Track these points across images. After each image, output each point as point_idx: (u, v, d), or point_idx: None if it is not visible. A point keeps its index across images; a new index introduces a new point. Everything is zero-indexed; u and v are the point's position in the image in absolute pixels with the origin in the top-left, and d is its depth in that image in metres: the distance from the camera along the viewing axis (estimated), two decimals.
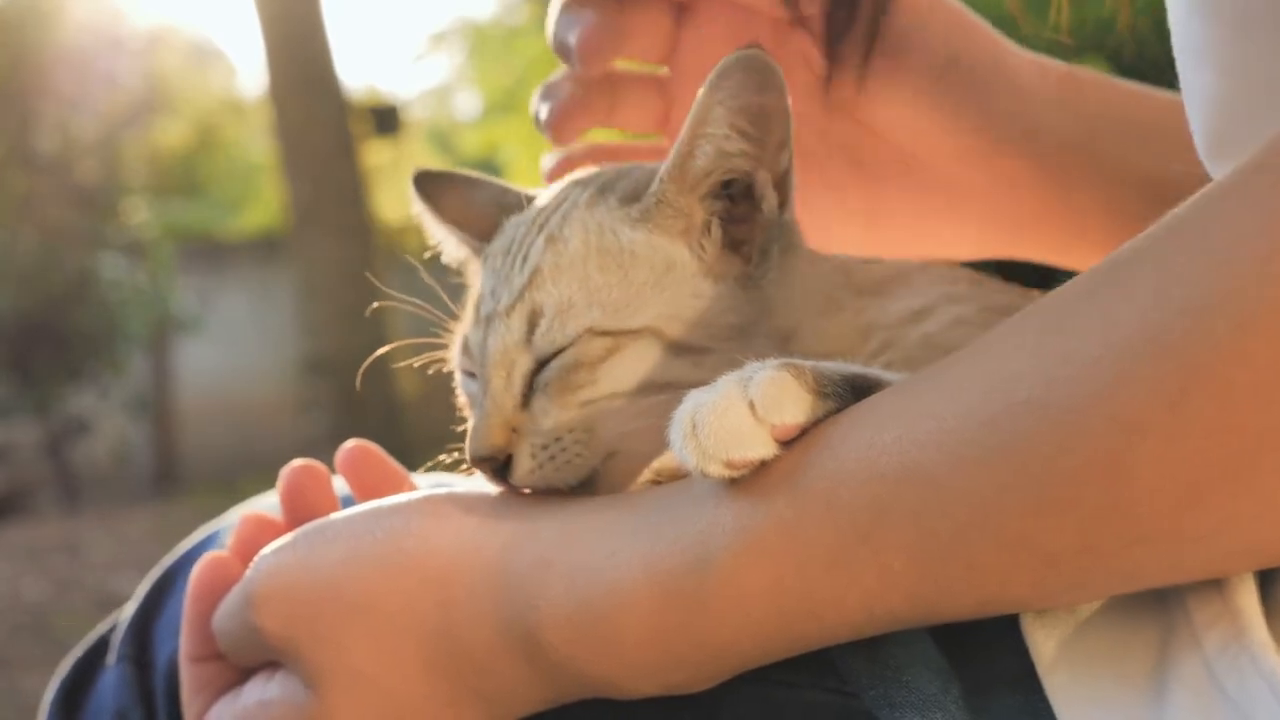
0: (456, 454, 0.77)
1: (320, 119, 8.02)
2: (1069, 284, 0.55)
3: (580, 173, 0.80)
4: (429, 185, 0.83)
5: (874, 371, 0.62)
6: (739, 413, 0.58)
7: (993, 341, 0.56)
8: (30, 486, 8.45)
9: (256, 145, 12.14)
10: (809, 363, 0.61)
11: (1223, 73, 0.58)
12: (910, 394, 0.57)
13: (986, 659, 0.60)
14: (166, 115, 11.17)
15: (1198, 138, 0.60)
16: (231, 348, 9.55)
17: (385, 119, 10.07)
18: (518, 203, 0.81)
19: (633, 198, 0.73)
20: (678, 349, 0.70)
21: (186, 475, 9.33)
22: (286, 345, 8.83)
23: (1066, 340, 0.52)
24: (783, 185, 0.73)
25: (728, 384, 0.59)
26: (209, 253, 10.28)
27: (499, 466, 0.70)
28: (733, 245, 0.73)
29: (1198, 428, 0.49)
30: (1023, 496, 0.52)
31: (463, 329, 0.77)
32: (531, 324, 0.71)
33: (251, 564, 0.70)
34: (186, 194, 11.59)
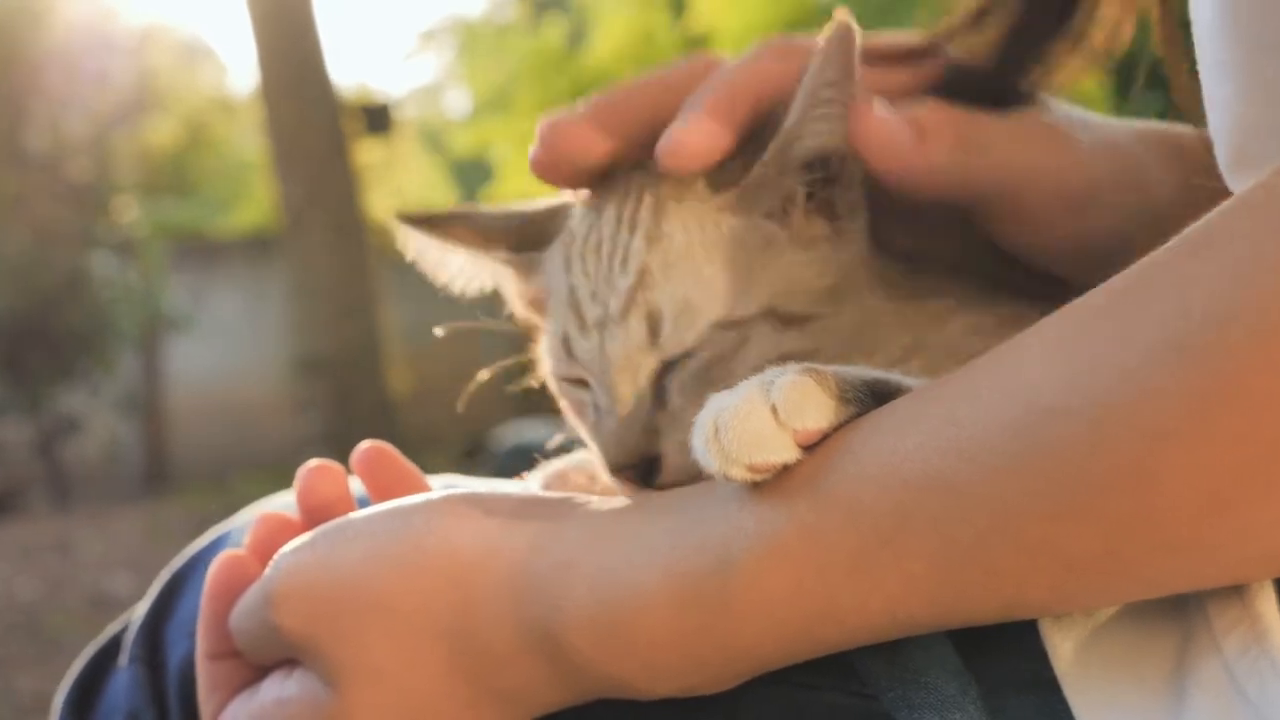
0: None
1: (312, 117, 8.01)
2: (1090, 294, 0.55)
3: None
4: (422, 222, 0.80)
5: (894, 376, 0.63)
6: (761, 417, 0.58)
7: (1012, 349, 0.57)
8: (21, 485, 8.45)
9: (248, 143, 12.13)
10: (830, 368, 0.61)
11: (1244, 89, 0.58)
12: (931, 400, 0.58)
13: (1004, 661, 0.60)
14: (157, 113, 11.16)
15: (1219, 152, 0.61)
16: (223, 347, 9.55)
17: (377, 118, 10.07)
18: (526, 218, 0.80)
19: (721, 182, 0.73)
20: (789, 321, 0.71)
21: (178, 474, 9.33)
22: (278, 344, 8.83)
23: (1089, 348, 0.53)
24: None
25: (750, 388, 0.60)
26: (200, 251, 10.27)
27: (643, 471, 0.70)
28: (816, 209, 0.74)
29: (1221, 435, 0.49)
30: (1045, 503, 0.52)
31: (554, 334, 0.76)
32: (653, 326, 0.71)
33: (271, 562, 0.70)
34: (178, 192, 11.59)
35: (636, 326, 0.71)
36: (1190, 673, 0.56)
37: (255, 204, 11.76)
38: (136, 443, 9.54)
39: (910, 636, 0.60)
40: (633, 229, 0.73)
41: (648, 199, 0.74)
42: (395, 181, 10.58)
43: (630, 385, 0.71)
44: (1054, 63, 0.80)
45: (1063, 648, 0.59)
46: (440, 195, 14.95)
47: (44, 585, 5.43)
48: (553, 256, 0.77)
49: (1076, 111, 0.81)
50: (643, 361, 0.71)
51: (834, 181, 0.74)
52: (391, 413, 7.93)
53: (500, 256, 0.81)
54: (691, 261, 0.72)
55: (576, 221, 0.77)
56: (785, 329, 0.71)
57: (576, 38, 13.95)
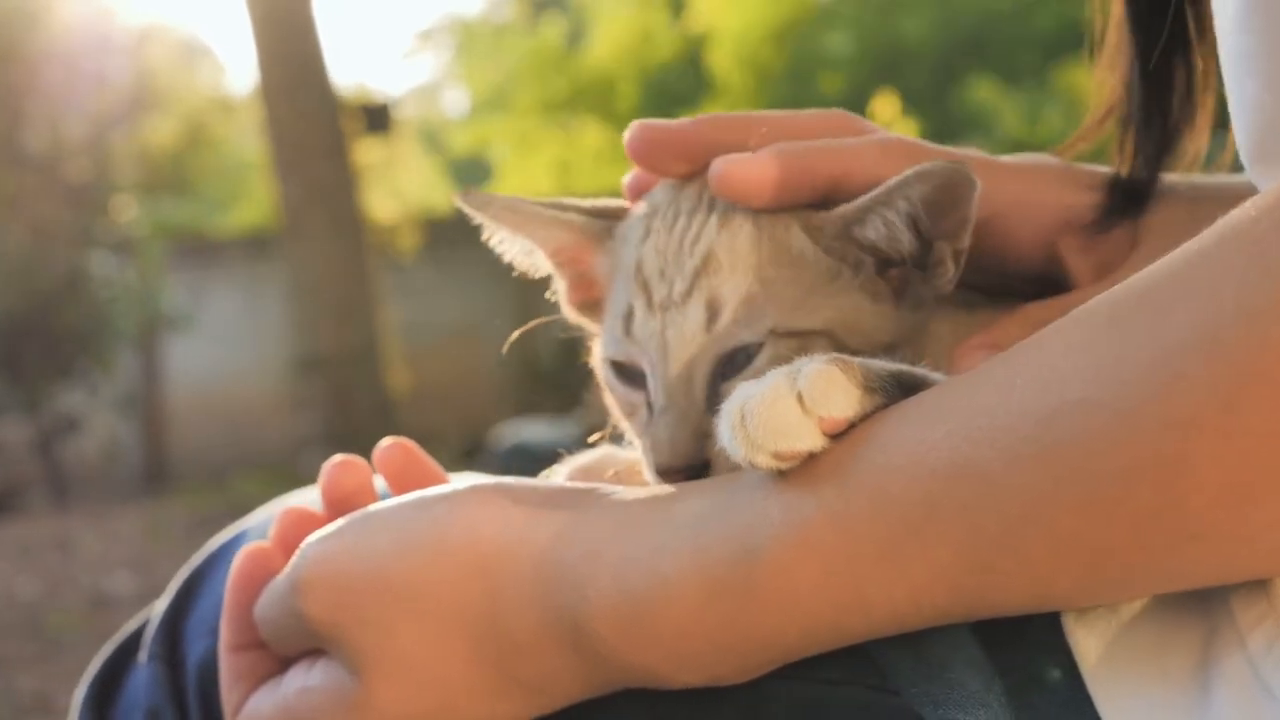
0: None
1: (311, 117, 8.01)
2: (1121, 286, 0.56)
3: None
4: (479, 204, 0.80)
5: (920, 370, 0.63)
6: (787, 404, 0.59)
7: (1043, 341, 0.57)
8: (20, 485, 8.44)
9: (246, 143, 12.13)
10: (857, 359, 0.61)
11: (1267, 83, 0.58)
12: (960, 391, 0.58)
13: (1028, 657, 0.60)
14: (156, 113, 11.16)
15: (1241, 145, 0.61)
16: (222, 346, 9.55)
17: (376, 117, 10.06)
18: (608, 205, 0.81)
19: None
20: (844, 352, 0.71)
21: (176, 473, 9.33)
22: (277, 343, 8.84)
23: (1121, 340, 0.53)
24: (959, 259, 0.73)
25: (776, 376, 0.60)
26: (199, 251, 10.27)
27: (690, 477, 0.70)
28: (884, 274, 0.74)
29: (1251, 428, 0.50)
30: (1075, 492, 0.53)
31: (616, 313, 0.76)
32: (711, 314, 0.71)
33: (298, 551, 0.70)
34: (176, 192, 11.59)
35: (696, 312, 0.71)
36: (1214, 668, 0.56)
37: (254, 203, 11.77)
38: (135, 442, 9.54)
39: (935, 633, 0.60)
40: (710, 209, 0.74)
41: None
42: (394, 181, 10.57)
43: (685, 385, 0.71)
44: (1178, 144, 0.80)
45: (1087, 643, 0.59)
46: (439, 195, 14.95)
47: (43, 585, 5.43)
48: (631, 226, 0.77)
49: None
50: (699, 355, 0.71)
51: (905, 271, 0.74)
52: (390, 412, 7.93)
53: (569, 228, 0.80)
54: (758, 256, 0.72)
55: (660, 193, 0.77)
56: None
57: (575, 37, 13.94)
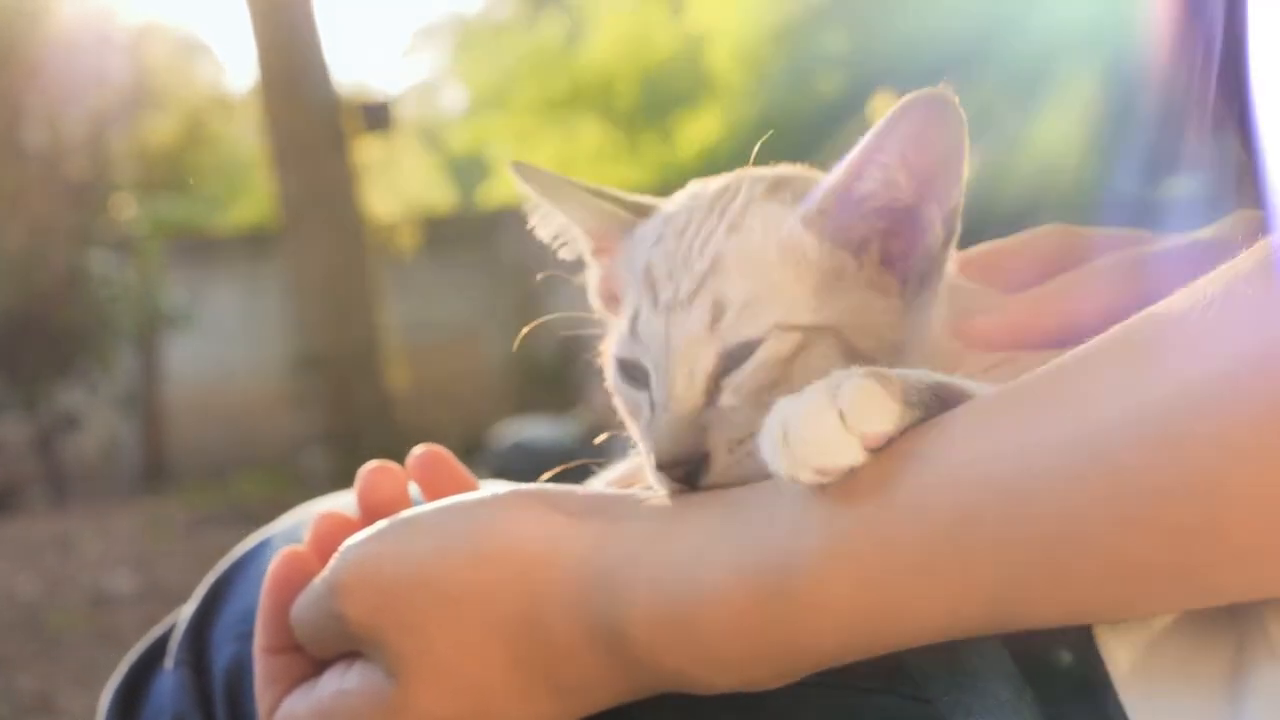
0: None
1: (310, 114, 8.01)
2: (1162, 304, 0.56)
3: (753, 169, 0.80)
4: (531, 175, 0.81)
5: (957, 381, 0.63)
6: (828, 421, 0.59)
7: (1084, 357, 0.57)
8: (20, 483, 8.44)
9: (246, 141, 12.13)
10: (895, 371, 0.62)
11: None
12: (1000, 407, 0.59)
13: (1060, 666, 0.61)
14: (155, 111, 11.16)
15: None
16: (221, 344, 9.55)
17: (376, 115, 10.06)
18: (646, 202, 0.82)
19: (802, 200, 0.75)
20: (852, 353, 0.71)
21: (176, 472, 9.32)
22: (276, 341, 8.83)
23: (1163, 359, 0.54)
24: (950, 221, 0.73)
25: (816, 392, 0.60)
26: (199, 248, 10.28)
27: (691, 469, 0.70)
28: (889, 263, 0.74)
29: None
30: (1113, 511, 0.53)
31: (626, 315, 0.76)
32: (716, 314, 0.72)
33: (337, 553, 0.70)
34: (176, 189, 11.58)
35: (700, 313, 0.72)
36: (1247, 679, 0.57)
37: (253, 201, 11.78)
38: (135, 440, 9.54)
39: (968, 642, 0.61)
40: (721, 216, 0.75)
41: (743, 194, 0.76)
42: (393, 179, 10.58)
43: (687, 378, 0.72)
44: None
45: (1119, 653, 0.60)
46: (438, 193, 14.96)
47: (43, 583, 5.43)
48: (648, 228, 0.78)
49: None
50: (702, 352, 0.71)
51: (908, 250, 0.74)
52: (390, 411, 7.93)
53: (601, 216, 0.81)
54: (764, 259, 0.72)
55: (680, 200, 0.79)
56: (850, 359, 0.70)
57: (574, 36, 13.96)
